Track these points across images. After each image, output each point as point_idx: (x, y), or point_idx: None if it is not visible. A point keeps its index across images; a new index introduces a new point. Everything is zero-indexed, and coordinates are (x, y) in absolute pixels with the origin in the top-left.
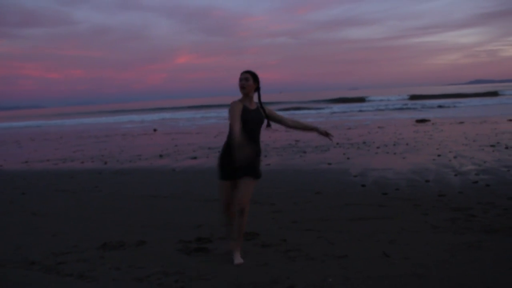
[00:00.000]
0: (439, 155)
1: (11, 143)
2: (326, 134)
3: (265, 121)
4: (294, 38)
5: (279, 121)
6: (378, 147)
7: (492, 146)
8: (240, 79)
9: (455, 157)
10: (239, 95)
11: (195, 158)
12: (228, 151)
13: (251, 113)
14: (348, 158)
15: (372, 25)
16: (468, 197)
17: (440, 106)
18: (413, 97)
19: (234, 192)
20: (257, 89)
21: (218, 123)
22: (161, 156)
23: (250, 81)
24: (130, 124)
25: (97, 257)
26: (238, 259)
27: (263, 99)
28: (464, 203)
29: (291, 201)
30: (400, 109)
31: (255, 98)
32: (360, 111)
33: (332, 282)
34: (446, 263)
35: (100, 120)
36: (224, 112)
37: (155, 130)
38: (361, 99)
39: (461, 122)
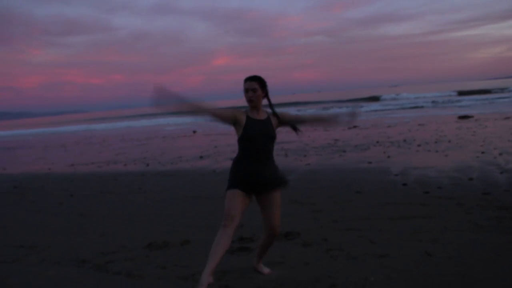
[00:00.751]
0: (483, 152)
1: (58, 147)
2: (352, 115)
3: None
4: (331, 36)
5: (299, 122)
6: (419, 145)
7: None
8: (246, 90)
9: (500, 154)
10: (277, 94)
11: None
12: (240, 161)
13: (257, 124)
14: (388, 157)
15: (411, 21)
16: None
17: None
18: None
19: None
20: (266, 95)
21: None
22: (201, 157)
23: (258, 91)
24: (170, 127)
25: (143, 256)
26: (266, 270)
27: (301, 99)
28: (510, 201)
29: (331, 201)
30: (443, 105)
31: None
32: (401, 108)
33: (373, 281)
34: (491, 263)
35: (140, 123)
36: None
37: (194, 131)
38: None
39: (507, 118)
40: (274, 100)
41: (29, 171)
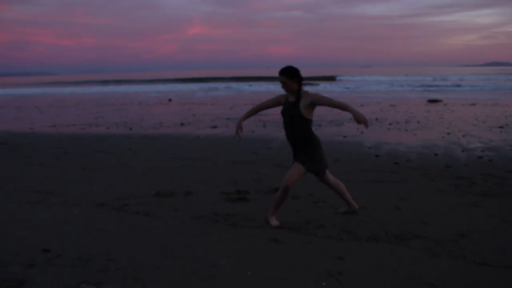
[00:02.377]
0: (448, 133)
1: (31, 108)
2: (365, 124)
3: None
4: (308, 12)
5: (325, 104)
6: (390, 124)
7: (501, 127)
8: (280, 83)
9: (463, 136)
10: (250, 67)
11: (215, 127)
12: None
13: (285, 105)
14: (361, 133)
15: (389, 2)
16: (472, 169)
17: (454, 86)
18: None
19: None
20: (298, 81)
21: (231, 95)
22: (182, 124)
23: (287, 83)
24: (144, 94)
25: (154, 202)
26: (274, 222)
27: (270, 74)
28: (468, 173)
29: None
30: (413, 88)
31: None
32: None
33: (355, 224)
34: (446, 215)
35: (113, 89)
36: (235, 85)
37: (170, 100)
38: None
39: (473, 104)
40: (246, 73)
41: (11, 130)
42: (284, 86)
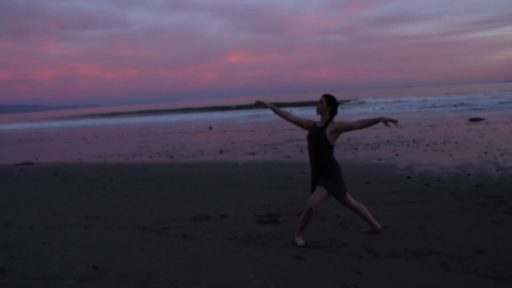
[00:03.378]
0: (485, 153)
1: (79, 140)
2: (392, 121)
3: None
4: (346, 35)
5: (348, 129)
6: (427, 145)
7: None
8: (319, 101)
9: (501, 155)
10: (289, 92)
11: (253, 153)
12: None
13: (312, 129)
14: (397, 155)
15: (427, 21)
16: (503, 188)
17: (498, 103)
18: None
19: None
20: (332, 110)
21: (270, 121)
22: (221, 151)
23: (324, 104)
24: (186, 123)
25: (191, 225)
26: (300, 241)
27: (310, 98)
28: (498, 192)
29: None
30: (454, 107)
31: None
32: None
33: (376, 242)
34: (468, 233)
35: (155, 119)
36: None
37: (210, 128)
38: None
39: None
40: (285, 98)
41: (62, 161)
42: (320, 105)
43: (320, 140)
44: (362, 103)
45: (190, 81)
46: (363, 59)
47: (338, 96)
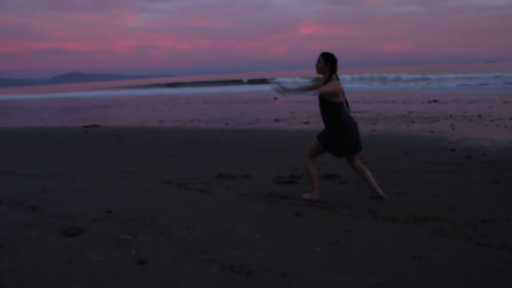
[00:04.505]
0: None
1: (148, 107)
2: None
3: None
4: (425, 6)
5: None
6: (491, 120)
7: None
8: (317, 61)
9: None
10: (364, 66)
11: (307, 123)
12: None
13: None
14: (453, 128)
15: None
16: None
17: None
18: None
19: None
20: (331, 67)
21: None
22: (277, 120)
23: (321, 63)
24: (253, 93)
25: (213, 182)
26: (306, 195)
27: (388, 72)
28: None
29: (379, 157)
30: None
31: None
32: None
33: (382, 206)
34: (485, 204)
35: (225, 90)
36: (347, 83)
37: (275, 98)
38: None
39: None
40: (360, 70)
41: (125, 124)
42: (318, 64)
43: (321, 98)
44: (441, 79)
45: (262, 53)
46: (442, 32)
47: (415, 71)
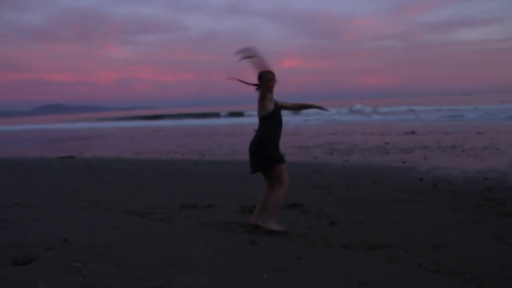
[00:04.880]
0: None
1: (127, 138)
2: (320, 108)
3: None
4: (403, 41)
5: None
6: (463, 151)
7: None
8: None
9: None
10: (344, 98)
11: (284, 154)
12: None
13: (277, 106)
14: (425, 159)
15: (489, 25)
16: None
17: None
18: None
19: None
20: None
21: (317, 125)
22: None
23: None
24: (235, 125)
25: (176, 211)
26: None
27: (368, 104)
28: (504, 196)
29: (345, 187)
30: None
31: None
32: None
33: (339, 234)
34: (440, 231)
35: (206, 122)
36: (332, 114)
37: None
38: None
39: None
40: (342, 103)
41: (100, 156)
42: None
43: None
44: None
45: (242, 86)
46: (420, 65)
47: (394, 103)
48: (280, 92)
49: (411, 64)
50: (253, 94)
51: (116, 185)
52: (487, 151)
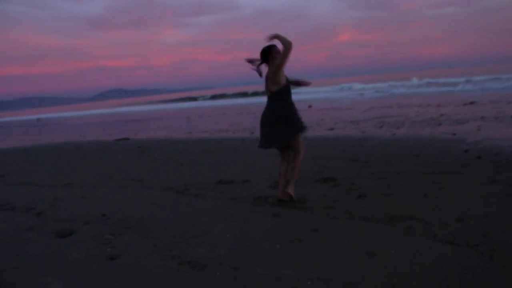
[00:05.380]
0: None
1: (182, 119)
2: (301, 83)
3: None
4: (465, 6)
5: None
6: None
7: None
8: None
9: None
10: (403, 70)
11: (331, 129)
12: None
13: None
14: (478, 130)
15: None
16: None
17: None
18: None
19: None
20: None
21: (372, 98)
22: None
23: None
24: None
25: (211, 187)
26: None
27: (429, 75)
28: None
29: (385, 160)
30: None
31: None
32: None
33: (364, 207)
34: (467, 204)
35: (261, 100)
36: (386, 88)
37: (309, 106)
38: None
39: None
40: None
41: (153, 137)
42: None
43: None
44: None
45: (298, 62)
46: (486, 32)
47: (456, 73)
48: (337, 66)
49: (474, 31)
50: (312, 72)
51: (162, 164)
52: None
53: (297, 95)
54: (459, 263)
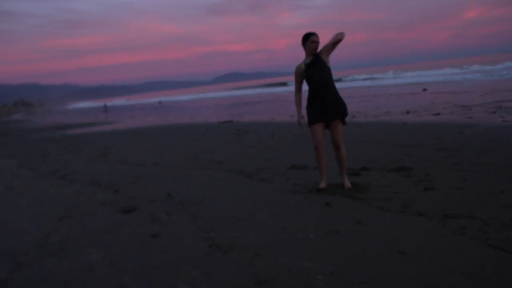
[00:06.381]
0: None
1: (291, 102)
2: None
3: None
4: None
5: (332, 45)
6: None
7: None
8: (315, 42)
9: None
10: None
11: (437, 114)
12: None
13: (309, 68)
14: None
15: None
16: None
17: None
18: None
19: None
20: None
21: (498, 80)
22: (408, 112)
23: (319, 42)
24: (404, 85)
25: (281, 172)
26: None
27: None
28: None
29: (478, 150)
30: None
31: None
32: None
33: (425, 201)
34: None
35: (379, 82)
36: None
37: (424, 89)
38: None
39: None
40: None
41: (256, 120)
42: (317, 45)
43: (326, 68)
44: None
45: (420, 42)
46: None
47: None
48: (463, 46)
49: None
50: (428, 51)
51: (249, 147)
52: None
53: (412, 78)
54: (504, 273)
